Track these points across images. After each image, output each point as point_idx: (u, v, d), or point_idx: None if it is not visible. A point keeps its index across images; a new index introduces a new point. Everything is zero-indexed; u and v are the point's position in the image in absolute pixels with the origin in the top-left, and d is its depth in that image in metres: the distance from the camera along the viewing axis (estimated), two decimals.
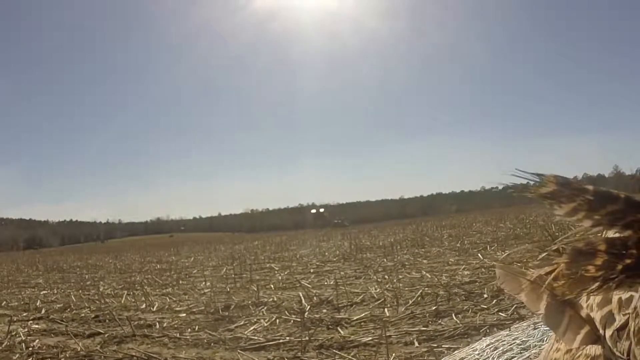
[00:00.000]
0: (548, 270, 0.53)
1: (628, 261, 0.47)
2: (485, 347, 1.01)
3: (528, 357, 0.95)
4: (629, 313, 0.51)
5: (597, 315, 0.55)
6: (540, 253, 0.57)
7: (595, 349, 0.54)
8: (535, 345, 0.98)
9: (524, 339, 1.00)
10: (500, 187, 0.55)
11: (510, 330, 1.10)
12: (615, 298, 0.53)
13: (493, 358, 0.97)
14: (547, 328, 1.03)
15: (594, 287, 0.48)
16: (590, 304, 0.56)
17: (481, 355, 0.99)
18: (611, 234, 0.52)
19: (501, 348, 1.00)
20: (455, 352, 1.08)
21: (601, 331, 0.54)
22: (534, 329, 1.04)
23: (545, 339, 0.98)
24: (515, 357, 0.96)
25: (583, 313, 0.56)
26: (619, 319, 0.52)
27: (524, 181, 0.53)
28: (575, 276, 0.49)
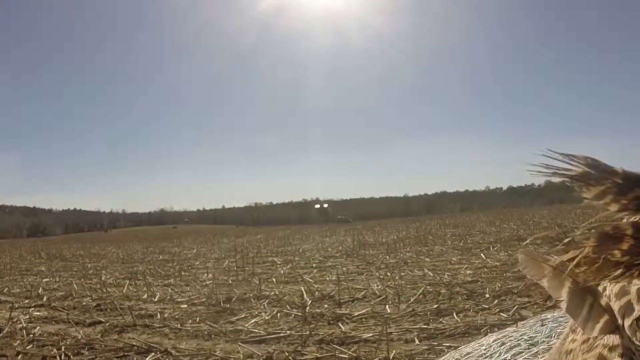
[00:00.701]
0: (571, 256, 0.51)
1: None
2: (492, 342, 1.00)
3: (536, 352, 0.93)
4: None
5: (615, 305, 0.53)
6: (548, 245, 0.55)
7: (613, 339, 0.53)
8: (543, 341, 0.97)
9: (531, 335, 0.99)
10: (529, 168, 0.53)
11: (517, 326, 1.09)
12: (634, 288, 0.52)
13: (500, 353, 0.96)
14: (555, 325, 1.02)
15: (617, 273, 0.47)
16: (609, 294, 0.55)
17: (488, 350, 0.98)
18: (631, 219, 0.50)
19: (508, 343, 0.98)
20: (461, 346, 1.07)
21: (620, 321, 0.52)
22: (542, 325, 1.03)
23: (553, 335, 0.96)
24: (523, 352, 0.94)
25: (603, 302, 0.55)
26: (638, 309, 0.51)
27: (554, 162, 0.52)
28: (599, 261, 0.48)
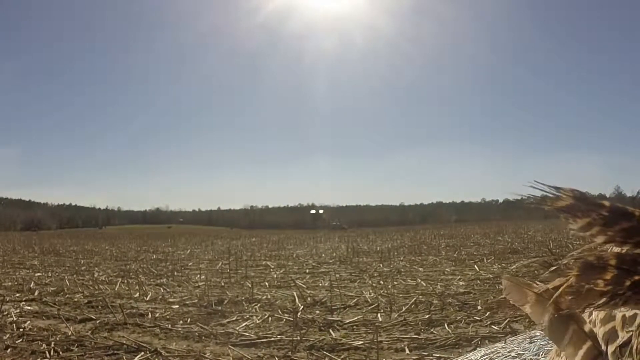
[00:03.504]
0: (555, 284, 0.53)
1: (637, 278, 0.47)
2: (480, 357, 1.01)
3: None
4: (632, 330, 0.51)
5: (600, 331, 0.54)
6: (543, 269, 0.57)
7: None
8: (531, 359, 0.97)
9: (519, 352, 0.99)
10: (518, 198, 0.54)
11: (505, 342, 1.09)
12: (619, 315, 0.52)
13: None
14: (544, 342, 1.03)
15: (600, 302, 0.48)
16: (594, 320, 0.55)
17: None
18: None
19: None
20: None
21: (603, 347, 0.53)
22: (530, 342, 1.03)
23: (541, 353, 0.97)
24: None
25: (586, 328, 0.56)
26: (622, 336, 0.52)
27: (542, 193, 0.53)
28: (582, 290, 0.49)
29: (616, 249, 0.51)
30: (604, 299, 0.48)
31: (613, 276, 0.48)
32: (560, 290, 0.51)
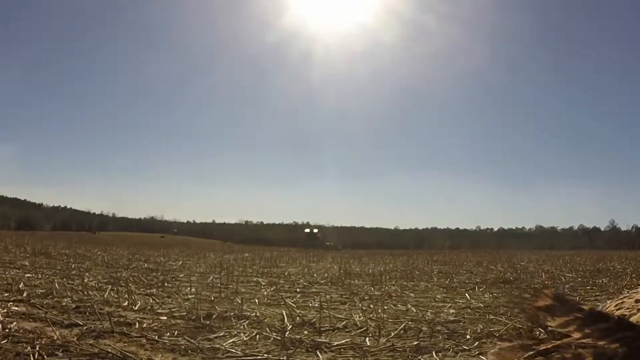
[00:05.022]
0: None
1: None
2: None
3: None
4: None
5: None
6: (529, 350, 0.59)
7: None
8: None
9: None
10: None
11: None
12: None
13: None
14: None
15: None
16: None
17: None
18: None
19: None
20: None
21: None
22: None
23: None
24: None
25: None
26: None
27: (524, 295, 0.57)
28: None
29: (592, 343, 0.53)
30: None
31: None
32: None
